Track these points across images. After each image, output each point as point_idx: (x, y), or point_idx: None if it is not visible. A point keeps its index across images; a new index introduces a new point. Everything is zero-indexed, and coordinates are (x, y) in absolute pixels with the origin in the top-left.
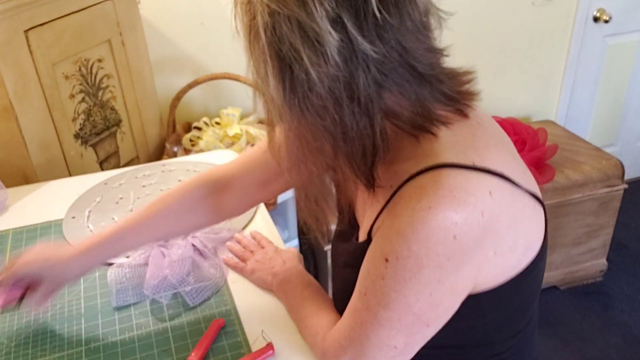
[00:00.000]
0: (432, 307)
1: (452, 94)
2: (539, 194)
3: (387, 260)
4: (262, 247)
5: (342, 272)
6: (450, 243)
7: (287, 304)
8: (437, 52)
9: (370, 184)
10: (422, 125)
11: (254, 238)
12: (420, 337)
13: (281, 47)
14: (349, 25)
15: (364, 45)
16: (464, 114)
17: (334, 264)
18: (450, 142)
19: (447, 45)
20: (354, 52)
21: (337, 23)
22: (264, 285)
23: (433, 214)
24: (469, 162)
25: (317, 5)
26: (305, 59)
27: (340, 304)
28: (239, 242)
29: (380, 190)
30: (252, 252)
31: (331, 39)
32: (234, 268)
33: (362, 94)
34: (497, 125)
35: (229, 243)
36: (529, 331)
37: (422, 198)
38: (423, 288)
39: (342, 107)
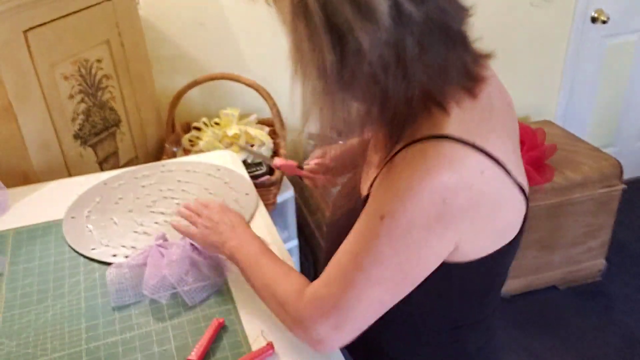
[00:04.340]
0: (419, 268)
1: (472, 65)
2: (527, 190)
3: (382, 217)
4: (207, 206)
5: (340, 224)
6: (440, 206)
7: (244, 272)
8: (466, 10)
9: (389, 152)
10: (439, 98)
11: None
12: (402, 295)
13: (335, 21)
14: None
15: (410, 7)
16: (473, 94)
17: (330, 224)
18: (457, 120)
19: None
20: (401, 15)
21: None
22: (216, 252)
23: (429, 178)
24: (470, 141)
25: None
26: (358, 28)
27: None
28: (186, 207)
29: (384, 150)
30: (198, 215)
31: (381, 6)
32: (185, 233)
33: (407, 58)
34: (512, 115)
35: (179, 208)
36: (489, 313)
37: (422, 162)
38: (413, 247)
39: (388, 74)
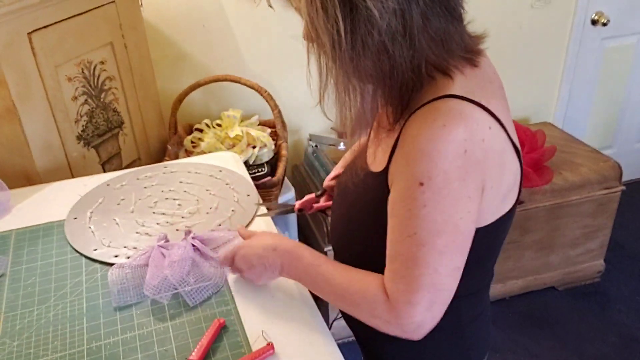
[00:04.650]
0: (472, 223)
1: (469, 39)
2: (521, 156)
3: (421, 184)
4: (232, 258)
5: (348, 199)
6: (463, 156)
7: (311, 288)
8: None
9: (397, 120)
10: (443, 67)
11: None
12: (467, 252)
13: None
14: None
15: None
16: (474, 63)
17: (337, 200)
18: (462, 84)
19: None
20: None
21: None
22: (273, 278)
23: (447, 130)
24: (476, 100)
25: None
26: None
27: (339, 233)
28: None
29: (393, 119)
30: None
31: None
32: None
33: (414, 27)
34: (505, 96)
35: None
36: (484, 285)
37: (438, 118)
38: (459, 204)
39: (395, 43)
